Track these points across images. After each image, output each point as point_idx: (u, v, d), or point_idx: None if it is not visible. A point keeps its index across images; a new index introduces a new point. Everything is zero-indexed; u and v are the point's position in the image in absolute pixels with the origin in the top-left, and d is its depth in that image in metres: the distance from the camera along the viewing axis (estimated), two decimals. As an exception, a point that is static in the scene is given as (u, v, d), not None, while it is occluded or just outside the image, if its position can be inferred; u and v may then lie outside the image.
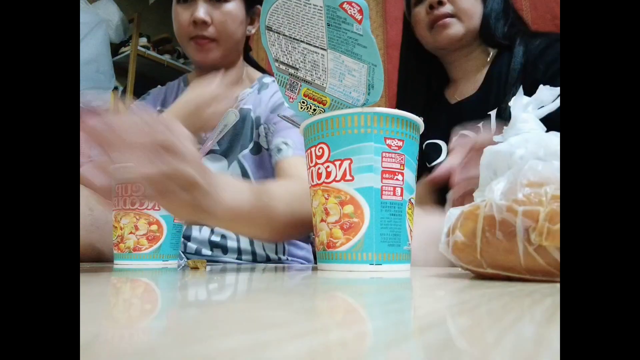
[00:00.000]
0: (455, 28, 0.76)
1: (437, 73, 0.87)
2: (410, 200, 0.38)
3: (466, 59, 0.82)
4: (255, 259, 0.78)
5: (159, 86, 0.95)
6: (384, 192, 0.36)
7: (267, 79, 0.87)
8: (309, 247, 0.88)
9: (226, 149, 0.81)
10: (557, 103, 0.31)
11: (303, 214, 0.55)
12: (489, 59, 0.80)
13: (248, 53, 0.94)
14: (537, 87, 0.51)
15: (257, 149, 0.81)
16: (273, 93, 0.83)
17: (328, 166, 0.38)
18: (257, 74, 0.92)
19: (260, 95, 0.84)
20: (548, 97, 0.31)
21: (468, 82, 0.82)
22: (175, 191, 0.36)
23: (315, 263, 0.83)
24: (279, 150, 0.74)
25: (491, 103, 0.75)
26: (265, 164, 0.80)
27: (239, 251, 0.78)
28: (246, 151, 0.81)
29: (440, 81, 0.88)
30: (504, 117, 0.72)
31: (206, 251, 0.77)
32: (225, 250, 0.78)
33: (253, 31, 0.88)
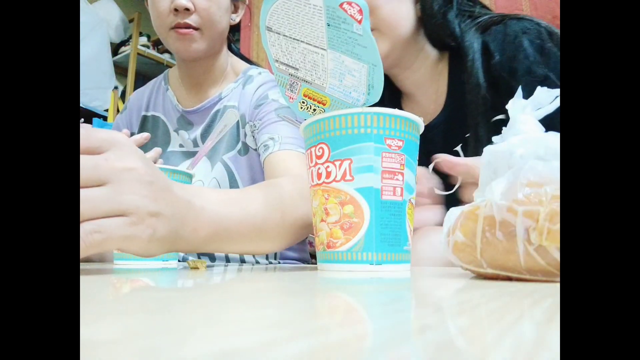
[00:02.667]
0: (378, 45, 0.64)
1: (389, 85, 0.72)
2: (410, 200, 0.38)
3: (410, 71, 0.68)
4: None
5: (139, 89, 0.90)
6: (384, 192, 0.36)
7: (253, 71, 0.81)
8: (304, 247, 0.85)
9: (210, 150, 0.76)
10: (555, 104, 0.31)
11: (298, 215, 0.50)
12: (440, 65, 0.68)
13: (231, 43, 0.88)
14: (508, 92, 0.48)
15: (245, 150, 0.77)
16: (257, 87, 0.77)
17: (328, 166, 0.38)
18: (243, 65, 0.85)
19: (244, 90, 0.78)
20: (546, 98, 0.31)
21: (425, 94, 0.70)
22: (127, 229, 0.30)
23: (312, 263, 0.83)
24: (266, 147, 0.68)
25: (465, 124, 0.63)
26: (255, 164, 0.76)
27: (227, 259, 0.76)
28: (233, 153, 0.76)
29: (392, 93, 0.75)
30: (478, 144, 0.60)
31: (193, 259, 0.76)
32: (212, 258, 0.76)
33: (237, 20, 0.81)
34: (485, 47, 0.61)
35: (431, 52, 0.68)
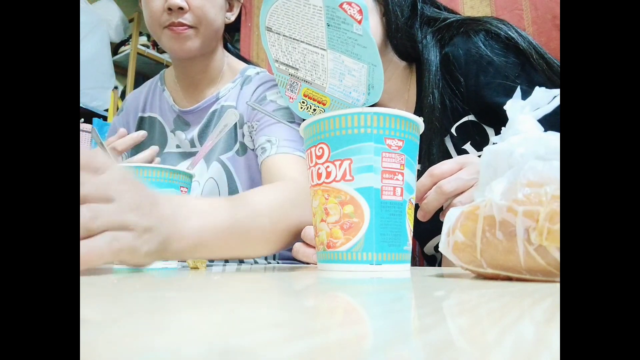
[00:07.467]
0: None
1: None
2: (410, 200, 0.38)
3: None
4: None
5: (135, 90, 0.89)
6: (384, 192, 0.36)
7: (251, 71, 0.80)
8: None
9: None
10: (553, 105, 0.31)
11: (289, 222, 0.50)
12: (410, 76, 0.68)
13: (227, 42, 0.87)
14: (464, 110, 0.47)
15: (244, 150, 0.76)
16: (255, 87, 0.76)
17: (328, 166, 0.38)
18: (240, 65, 0.83)
19: (242, 90, 0.77)
20: (544, 99, 0.31)
21: (397, 105, 0.70)
22: (119, 246, 0.31)
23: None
24: (263, 149, 0.68)
25: (435, 132, 0.62)
26: (252, 164, 0.75)
27: (225, 260, 0.75)
28: (231, 153, 0.76)
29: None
30: (429, 163, 0.59)
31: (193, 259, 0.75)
32: (211, 259, 0.76)
33: (232, 18, 0.80)
34: (445, 60, 0.62)
35: (400, 63, 0.68)
